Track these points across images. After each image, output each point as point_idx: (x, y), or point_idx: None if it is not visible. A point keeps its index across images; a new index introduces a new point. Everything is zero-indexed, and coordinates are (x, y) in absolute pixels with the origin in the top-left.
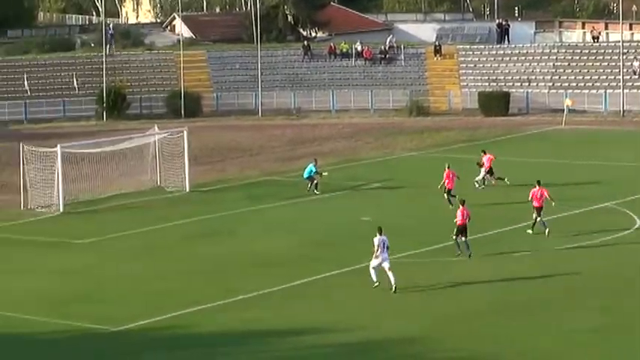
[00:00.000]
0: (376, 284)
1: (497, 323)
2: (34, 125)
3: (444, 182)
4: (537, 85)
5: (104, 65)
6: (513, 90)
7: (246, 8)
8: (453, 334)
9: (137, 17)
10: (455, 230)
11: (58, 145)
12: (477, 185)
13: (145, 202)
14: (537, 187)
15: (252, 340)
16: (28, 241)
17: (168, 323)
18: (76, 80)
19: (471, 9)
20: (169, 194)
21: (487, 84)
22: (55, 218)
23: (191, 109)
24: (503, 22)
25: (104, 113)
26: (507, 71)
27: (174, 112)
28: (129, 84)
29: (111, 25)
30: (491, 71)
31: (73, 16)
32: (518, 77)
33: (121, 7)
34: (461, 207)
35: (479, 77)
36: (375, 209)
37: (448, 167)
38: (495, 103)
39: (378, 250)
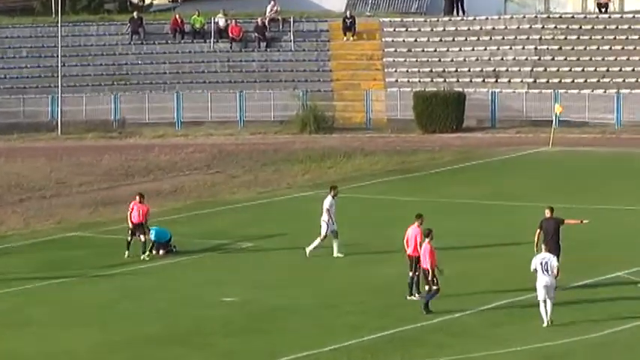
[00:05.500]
0: None
1: None
2: None
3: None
4: (510, 81)
5: None
6: (471, 89)
7: None
8: None
9: None
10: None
11: None
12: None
13: None
14: None
15: None
16: None
17: None
18: None
19: None
20: None
21: (429, 80)
22: None
23: None
24: None
25: None
26: (462, 59)
27: None
28: None
29: None
30: (436, 59)
31: None
32: (479, 69)
33: None
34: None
35: (415, 69)
36: (245, 283)
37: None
38: (442, 110)
39: None
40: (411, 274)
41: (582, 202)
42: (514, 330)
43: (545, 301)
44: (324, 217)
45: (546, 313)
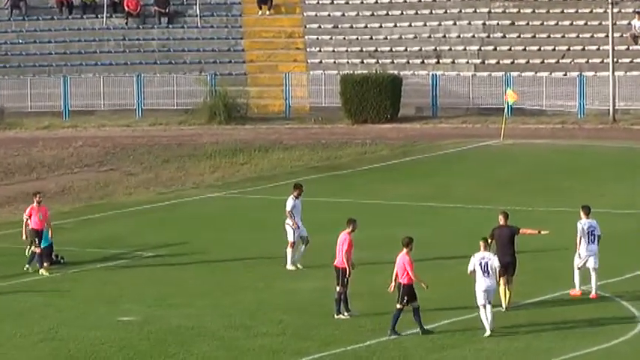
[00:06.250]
0: None
1: None
2: None
3: None
4: (454, 63)
5: None
6: (408, 72)
7: None
8: None
9: None
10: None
11: None
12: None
13: None
14: None
15: None
16: None
17: None
18: None
19: None
20: None
21: (358, 61)
22: None
23: None
24: None
25: None
26: (397, 37)
27: None
28: None
29: None
30: (367, 37)
31: None
32: (417, 48)
33: None
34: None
35: (343, 49)
36: (144, 300)
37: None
38: (374, 97)
39: None
40: (338, 288)
41: (539, 203)
42: (458, 355)
43: (485, 306)
44: (288, 220)
45: (487, 320)
